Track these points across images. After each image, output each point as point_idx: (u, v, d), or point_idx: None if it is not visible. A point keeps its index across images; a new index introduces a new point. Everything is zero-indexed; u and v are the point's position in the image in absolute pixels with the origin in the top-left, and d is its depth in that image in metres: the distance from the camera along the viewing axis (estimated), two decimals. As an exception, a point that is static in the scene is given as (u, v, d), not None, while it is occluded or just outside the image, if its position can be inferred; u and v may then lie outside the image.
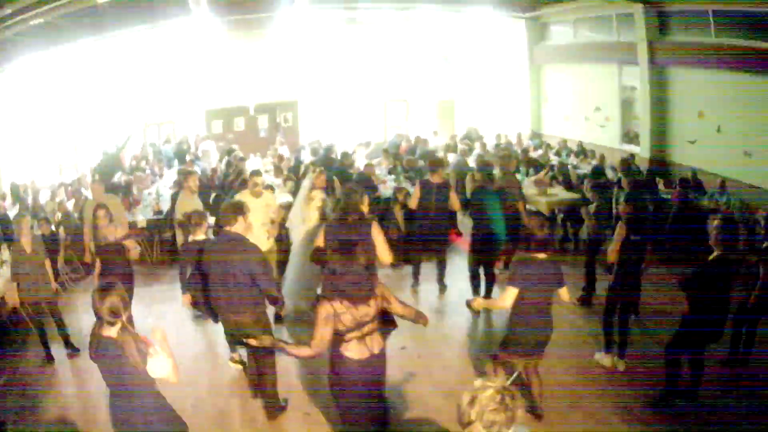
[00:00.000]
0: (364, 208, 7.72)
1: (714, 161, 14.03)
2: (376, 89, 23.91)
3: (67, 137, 19.60)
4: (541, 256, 6.30)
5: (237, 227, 6.59)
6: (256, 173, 9.94)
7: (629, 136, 17.80)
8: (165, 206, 13.34)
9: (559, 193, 13.75)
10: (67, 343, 8.97)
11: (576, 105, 19.89)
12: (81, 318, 10.09)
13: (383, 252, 7.35)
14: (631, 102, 17.63)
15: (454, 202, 10.06)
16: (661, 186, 13.89)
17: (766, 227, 7.71)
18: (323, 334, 4.94)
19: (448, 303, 10.26)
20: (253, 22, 19.05)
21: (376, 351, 5.13)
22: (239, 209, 6.70)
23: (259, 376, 7.00)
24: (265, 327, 6.62)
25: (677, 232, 11.20)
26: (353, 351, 5.04)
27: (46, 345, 8.81)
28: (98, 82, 20.20)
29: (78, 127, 20.00)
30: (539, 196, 13.22)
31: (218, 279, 6.52)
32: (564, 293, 6.50)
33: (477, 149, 17.53)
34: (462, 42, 23.93)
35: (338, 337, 5.00)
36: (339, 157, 15.48)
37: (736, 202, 12.30)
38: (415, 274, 10.72)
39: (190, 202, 10.02)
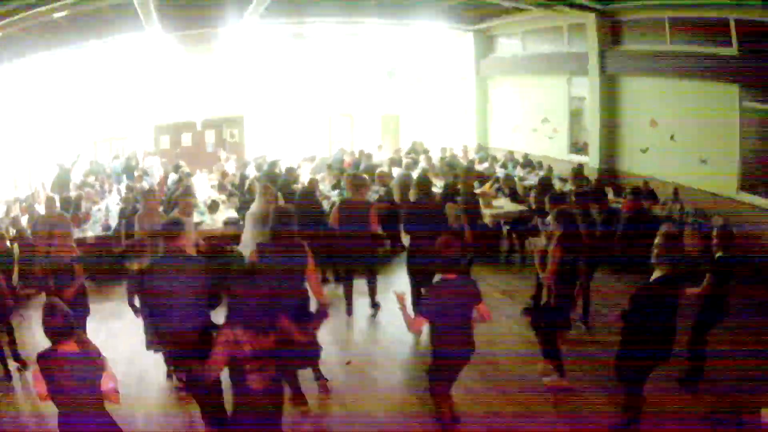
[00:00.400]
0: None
1: (668, 169, 14.07)
2: (321, 104, 23.80)
3: (21, 152, 19.04)
4: (451, 276, 6.00)
5: (180, 243, 6.41)
6: (188, 194, 9.77)
7: (578, 147, 17.84)
8: (114, 222, 13.04)
9: (505, 205, 13.69)
10: (17, 358, 8.75)
11: (524, 117, 19.88)
12: (34, 334, 9.84)
13: (315, 288, 6.94)
14: (580, 112, 17.70)
15: (373, 222, 9.57)
16: (611, 196, 13.71)
17: (719, 236, 7.26)
18: (217, 358, 4.75)
19: (393, 317, 9.58)
20: (202, 36, 18.81)
21: (273, 380, 4.90)
22: (180, 224, 6.54)
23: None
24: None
25: (629, 242, 10.93)
26: (250, 381, 4.76)
27: (3, 360, 8.54)
28: (52, 96, 19.85)
29: (32, 141, 19.50)
30: (484, 208, 12.88)
31: (165, 299, 6.22)
32: (482, 310, 6.14)
33: (422, 162, 17.40)
34: (408, 56, 24.05)
35: (237, 365, 4.78)
36: (283, 172, 15.16)
37: (690, 209, 12.38)
38: (347, 296, 10.12)
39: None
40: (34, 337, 9.75)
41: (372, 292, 10.05)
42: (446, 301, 5.91)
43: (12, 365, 8.64)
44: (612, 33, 15.48)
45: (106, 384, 4.75)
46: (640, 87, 15.07)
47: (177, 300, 6.13)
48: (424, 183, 9.76)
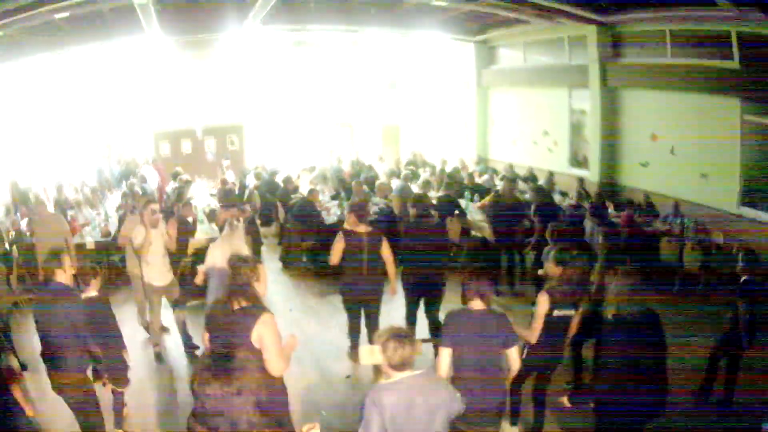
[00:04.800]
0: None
1: (668, 183, 14.00)
2: (322, 113, 23.87)
3: (21, 154, 19.02)
4: (477, 305, 5.33)
5: (59, 276, 6.06)
6: (151, 200, 9.26)
7: (578, 160, 17.73)
8: (113, 228, 12.94)
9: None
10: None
11: (524, 129, 19.78)
12: (32, 337, 9.48)
13: (271, 360, 5.08)
14: (580, 125, 17.58)
15: (387, 257, 8.46)
16: (611, 210, 13.54)
17: (745, 259, 7.09)
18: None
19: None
20: (203, 42, 18.83)
21: None
22: (58, 257, 6.13)
23: None
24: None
25: (629, 256, 10.84)
26: None
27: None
28: (52, 99, 19.95)
29: (32, 144, 19.50)
30: (484, 221, 12.58)
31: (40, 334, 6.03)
32: (512, 356, 5.38)
33: (426, 174, 17.32)
34: (409, 66, 24.03)
35: None
36: (282, 182, 15.31)
37: (690, 224, 12.30)
38: (353, 332, 9.04)
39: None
40: (32, 340, 9.58)
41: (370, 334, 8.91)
42: (469, 331, 5.23)
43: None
44: (613, 45, 15.43)
45: None
46: (640, 100, 15.01)
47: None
48: (421, 200, 9.32)
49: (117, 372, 6.65)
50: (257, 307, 5.22)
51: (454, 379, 5.23)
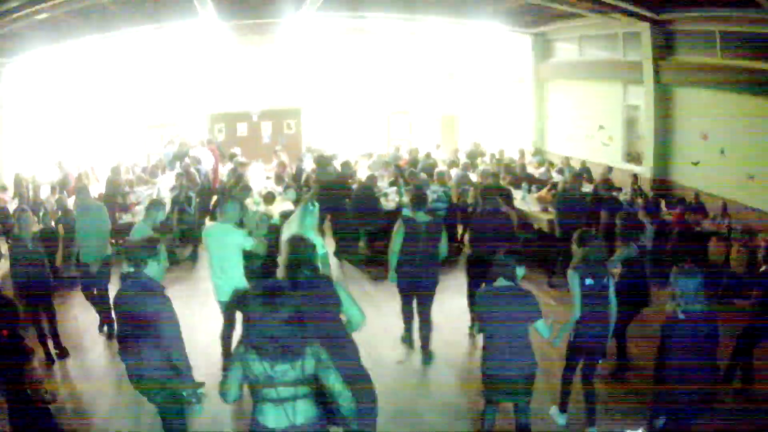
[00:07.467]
0: None
1: (717, 183, 13.90)
2: (379, 100, 24.05)
3: (69, 134, 19.65)
4: (504, 282, 5.85)
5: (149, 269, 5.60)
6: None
7: (631, 156, 17.68)
8: (166, 209, 13.02)
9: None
10: (56, 343, 8.86)
11: (579, 122, 19.72)
12: (77, 317, 10.06)
13: (352, 313, 5.60)
14: (634, 121, 17.52)
15: (444, 246, 8.63)
16: (663, 207, 13.69)
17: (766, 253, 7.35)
18: (231, 379, 4.23)
19: (446, 318, 9.66)
20: (258, 27, 18.87)
21: (298, 422, 4.18)
22: (154, 244, 5.78)
23: None
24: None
25: (677, 255, 11.05)
26: (268, 417, 4.19)
27: (44, 344, 8.67)
28: (102, 80, 20.46)
29: (80, 124, 20.09)
30: (541, 213, 13.12)
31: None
32: (541, 328, 5.83)
33: (486, 165, 17.41)
34: (466, 57, 24.01)
35: (254, 394, 4.26)
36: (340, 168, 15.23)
37: (737, 225, 12.23)
38: (406, 321, 9.15)
39: None
40: (76, 320, 10.04)
41: (425, 337, 8.95)
42: (497, 308, 5.73)
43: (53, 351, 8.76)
44: (665, 43, 15.31)
45: None
46: (692, 99, 14.90)
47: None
48: (489, 190, 9.72)
49: None
50: (321, 276, 5.73)
51: (485, 347, 5.91)
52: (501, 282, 5.85)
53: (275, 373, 4.07)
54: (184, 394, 5.27)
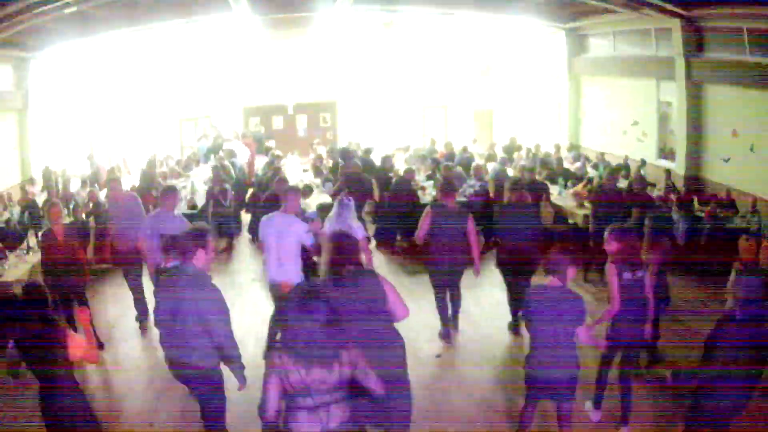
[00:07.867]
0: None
1: (747, 180, 13.85)
2: (415, 94, 24.17)
3: (100, 127, 19.97)
4: (552, 281, 5.71)
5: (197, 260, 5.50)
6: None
7: (665, 152, 17.72)
8: (200, 202, 13.42)
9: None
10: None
11: (614, 118, 19.71)
12: (108, 310, 10.04)
13: (397, 306, 5.36)
14: (668, 117, 17.52)
15: (472, 235, 8.57)
16: (695, 203, 13.58)
17: None
18: (270, 394, 4.10)
19: (483, 312, 9.76)
20: (293, 20, 18.80)
21: (332, 426, 4.12)
22: (202, 237, 5.58)
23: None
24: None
25: (709, 251, 11.24)
26: (301, 422, 4.11)
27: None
28: (133, 72, 20.65)
29: (111, 117, 20.36)
30: (577, 208, 13.21)
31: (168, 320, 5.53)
32: (582, 335, 5.67)
33: (521, 161, 17.65)
34: (501, 51, 24.14)
35: (289, 402, 4.17)
36: (379, 162, 15.36)
37: (767, 224, 12.24)
38: (443, 314, 9.10)
39: None
40: (107, 312, 9.97)
41: (454, 313, 9.20)
42: (544, 306, 5.62)
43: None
44: (696, 40, 15.23)
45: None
46: (723, 96, 14.85)
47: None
48: (518, 184, 9.67)
49: None
50: (365, 271, 5.56)
51: (531, 347, 5.82)
52: (551, 282, 5.72)
53: (311, 381, 4.00)
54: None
